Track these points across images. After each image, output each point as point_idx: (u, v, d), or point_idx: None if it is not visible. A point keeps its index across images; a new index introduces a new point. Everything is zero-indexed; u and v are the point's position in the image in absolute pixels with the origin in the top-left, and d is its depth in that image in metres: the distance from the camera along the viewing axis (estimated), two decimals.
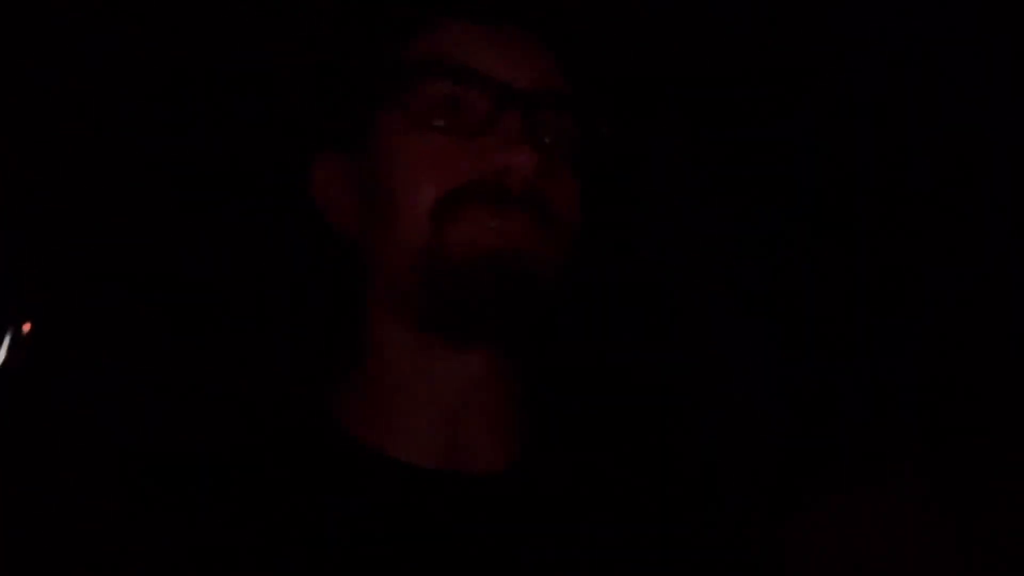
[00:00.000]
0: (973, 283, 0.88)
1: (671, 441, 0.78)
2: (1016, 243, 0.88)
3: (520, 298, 0.62)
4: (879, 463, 0.63)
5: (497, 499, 0.62)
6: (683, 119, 1.05)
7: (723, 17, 0.99)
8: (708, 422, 1.01)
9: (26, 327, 0.87)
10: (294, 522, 0.58)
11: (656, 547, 0.64)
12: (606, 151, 0.70)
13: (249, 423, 0.64)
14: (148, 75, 0.91)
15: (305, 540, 0.57)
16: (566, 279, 0.66)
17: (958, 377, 0.79)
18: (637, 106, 0.98)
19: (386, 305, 0.66)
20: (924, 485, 0.60)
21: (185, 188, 0.96)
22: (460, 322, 0.62)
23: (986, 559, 0.56)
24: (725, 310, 1.06)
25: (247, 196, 0.95)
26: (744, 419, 1.01)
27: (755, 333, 1.05)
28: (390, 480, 0.62)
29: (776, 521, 0.64)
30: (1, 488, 0.60)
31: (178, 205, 0.96)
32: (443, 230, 0.62)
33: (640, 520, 0.65)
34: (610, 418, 0.79)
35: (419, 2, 0.66)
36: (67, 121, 0.93)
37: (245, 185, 0.95)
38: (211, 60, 0.91)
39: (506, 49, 0.65)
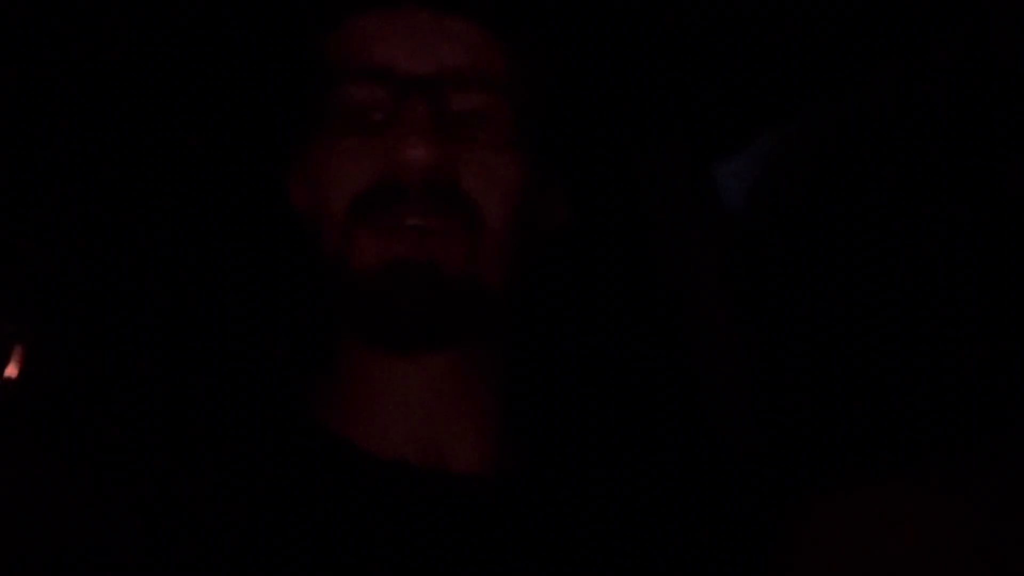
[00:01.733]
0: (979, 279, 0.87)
1: (659, 438, 0.77)
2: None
3: (435, 301, 0.59)
4: (886, 462, 0.61)
5: (473, 496, 0.61)
6: (674, 117, 1.04)
7: None
8: (698, 420, 1.00)
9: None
10: (271, 515, 0.57)
11: (639, 544, 0.63)
12: (556, 130, 0.66)
13: (228, 419, 0.63)
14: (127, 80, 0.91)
15: (282, 532, 0.56)
16: (521, 269, 0.64)
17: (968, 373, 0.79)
18: (625, 103, 0.97)
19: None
20: (938, 483, 0.58)
21: (169, 194, 0.96)
22: (382, 332, 0.60)
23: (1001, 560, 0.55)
24: (719, 303, 1.05)
25: (233, 200, 0.95)
26: (733, 419, 1.00)
27: (751, 329, 1.05)
28: (366, 475, 0.61)
29: (773, 520, 0.62)
30: None
31: (163, 211, 0.96)
32: (351, 239, 0.60)
33: (623, 518, 0.64)
34: (594, 416, 0.78)
35: (322, 2, 0.64)
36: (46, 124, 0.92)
37: (232, 189, 0.94)
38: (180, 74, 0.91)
39: (409, 35, 0.61)
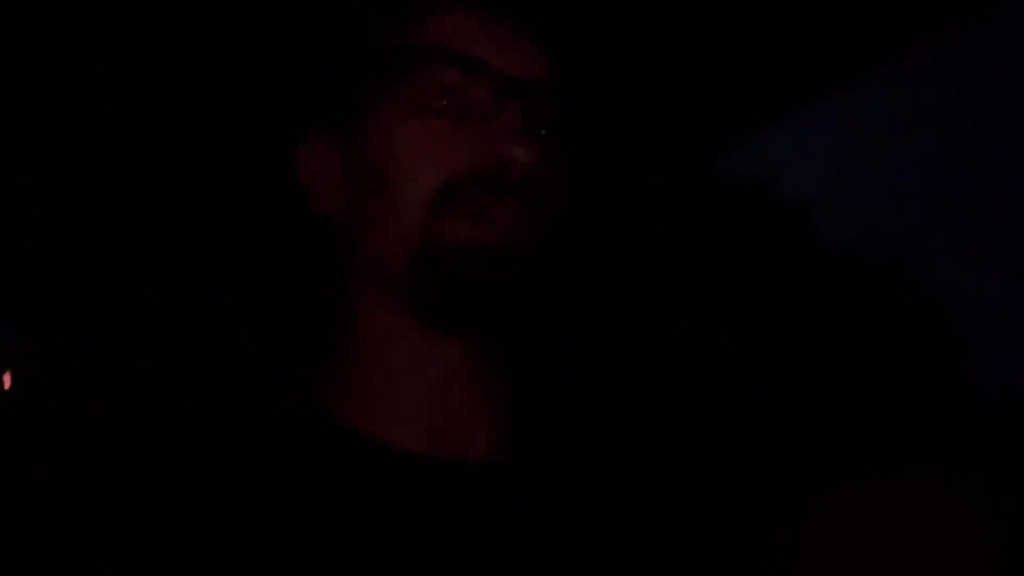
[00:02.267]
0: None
1: (663, 431, 0.77)
2: None
3: (507, 287, 0.62)
4: (885, 460, 0.62)
5: (480, 484, 0.62)
6: (675, 116, 1.04)
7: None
8: (698, 414, 1.00)
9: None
10: (279, 507, 0.57)
11: (645, 536, 0.63)
12: (595, 143, 0.70)
13: (233, 413, 0.63)
14: (127, 50, 0.90)
15: (290, 525, 0.56)
16: (551, 267, 0.66)
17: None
18: (626, 101, 0.98)
19: (374, 289, 0.65)
20: (937, 481, 0.58)
21: (167, 173, 0.95)
22: (451, 309, 0.62)
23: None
24: (719, 299, 1.05)
25: (228, 181, 0.94)
26: (739, 409, 1.00)
27: (752, 324, 1.05)
28: (375, 462, 0.61)
29: (777, 511, 0.63)
30: None
31: (159, 189, 0.95)
32: (441, 218, 0.62)
33: (629, 510, 0.64)
34: (598, 409, 0.79)
35: None
36: (49, 101, 0.92)
37: (227, 169, 0.94)
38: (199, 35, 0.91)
39: (506, 40, 0.65)
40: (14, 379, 0.89)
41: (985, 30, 0.96)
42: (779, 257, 1.05)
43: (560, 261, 0.67)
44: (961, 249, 0.95)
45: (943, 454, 0.60)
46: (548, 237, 0.64)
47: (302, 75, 0.75)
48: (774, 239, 1.05)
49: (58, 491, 0.56)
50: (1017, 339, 0.88)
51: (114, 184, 0.94)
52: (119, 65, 0.91)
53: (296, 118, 0.72)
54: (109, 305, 0.92)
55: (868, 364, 0.95)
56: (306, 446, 0.61)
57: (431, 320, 0.63)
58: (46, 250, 0.95)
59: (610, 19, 0.93)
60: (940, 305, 0.92)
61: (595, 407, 0.77)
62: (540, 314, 0.67)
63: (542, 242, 0.63)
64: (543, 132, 0.65)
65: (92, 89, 0.92)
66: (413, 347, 0.64)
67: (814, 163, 1.06)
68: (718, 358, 1.03)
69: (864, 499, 0.60)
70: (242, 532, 0.55)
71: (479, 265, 0.61)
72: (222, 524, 0.55)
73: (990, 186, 0.96)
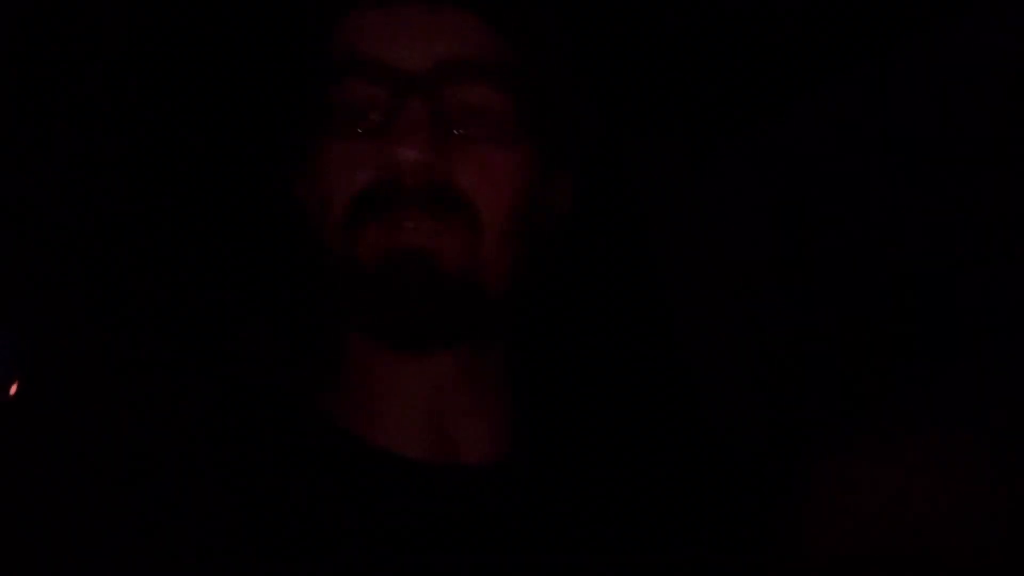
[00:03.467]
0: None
1: (666, 429, 0.76)
2: None
3: (436, 294, 0.58)
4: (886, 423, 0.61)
5: (482, 490, 0.61)
6: (673, 114, 1.04)
7: None
8: (702, 411, 1.00)
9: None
10: (279, 511, 0.57)
11: (647, 539, 0.62)
12: (557, 121, 0.65)
13: (235, 416, 0.62)
14: (151, 58, 0.91)
15: (288, 528, 0.56)
16: (525, 265, 0.63)
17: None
18: (625, 100, 0.97)
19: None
20: (935, 447, 0.58)
21: (177, 181, 0.96)
22: (387, 330, 0.60)
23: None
24: (718, 292, 1.05)
25: (237, 188, 0.95)
26: (738, 403, 1.00)
27: (750, 312, 1.05)
28: (374, 468, 0.60)
29: (781, 495, 0.62)
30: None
31: (167, 197, 0.96)
32: (353, 238, 0.59)
33: (633, 510, 0.64)
34: (598, 407, 0.78)
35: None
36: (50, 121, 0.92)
37: (235, 177, 0.94)
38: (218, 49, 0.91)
39: (404, 30, 0.61)
40: (20, 385, 0.89)
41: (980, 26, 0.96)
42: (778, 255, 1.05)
43: (553, 261, 0.65)
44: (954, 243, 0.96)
45: (938, 428, 0.60)
46: (476, 237, 0.60)
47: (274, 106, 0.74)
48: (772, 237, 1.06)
49: (63, 493, 0.56)
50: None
51: (123, 191, 0.94)
52: (131, 74, 0.91)
53: (285, 141, 0.70)
54: (114, 309, 0.93)
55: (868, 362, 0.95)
56: (306, 450, 0.61)
57: (379, 338, 0.61)
58: (53, 254, 0.95)
59: (603, 10, 0.93)
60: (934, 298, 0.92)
61: (595, 408, 0.76)
62: (538, 314, 0.66)
63: (465, 243, 0.59)
64: (464, 121, 0.60)
65: (102, 99, 0.93)
66: (392, 365, 0.62)
67: (815, 161, 1.07)
68: (718, 358, 1.03)
69: (866, 464, 0.59)
70: (242, 535, 0.55)
71: (390, 281, 0.58)
72: (223, 526, 0.55)
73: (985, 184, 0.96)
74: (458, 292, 0.59)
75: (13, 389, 0.87)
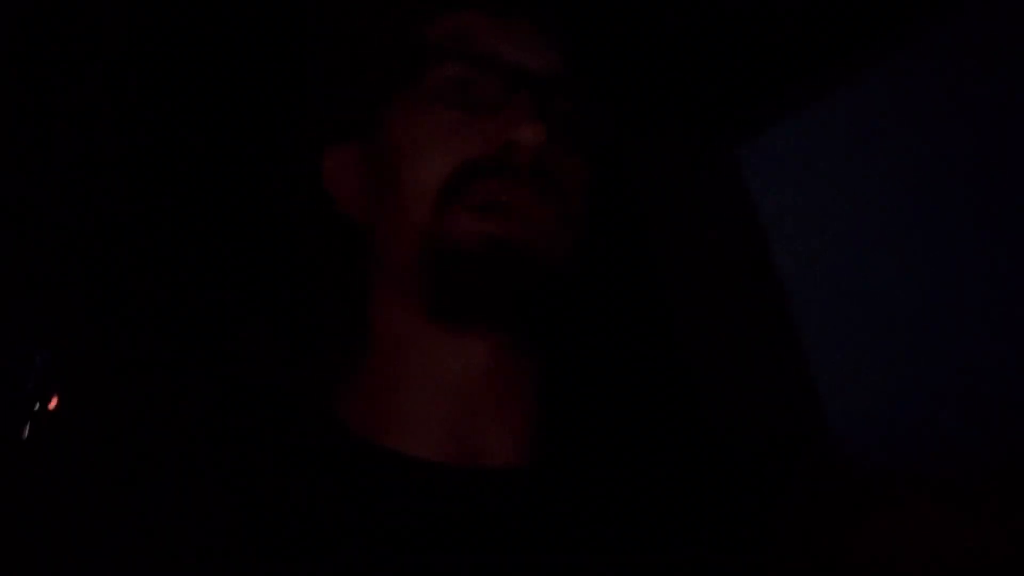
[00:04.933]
0: None
1: (689, 437, 0.76)
2: None
3: (526, 280, 0.60)
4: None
5: (507, 494, 0.61)
6: (676, 112, 1.03)
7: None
8: (710, 413, 0.99)
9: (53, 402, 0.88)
10: (295, 519, 0.56)
11: (671, 545, 0.62)
12: (611, 141, 0.69)
13: (250, 424, 0.63)
14: (158, 61, 0.91)
15: (305, 538, 0.56)
16: (576, 267, 0.64)
17: None
18: (640, 101, 0.97)
19: (392, 291, 0.65)
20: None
21: (194, 181, 0.96)
22: (465, 304, 0.61)
23: None
24: (723, 299, 1.05)
25: (255, 188, 0.95)
26: (759, 411, 1.00)
27: (764, 325, 1.04)
28: (396, 474, 0.60)
29: (797, 499, 0.62)
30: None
31: (186, 197, 0.96)
32: (451, 206, 0.60)
33: (656, 517, 0.63)
34: (627, 414, 0.78)
35: None
36: (73, 106, 0.93)
37: (254, 177, 0.95)
38: (225, 50, 0.91)
39: (516, 36, 0.65)
40: (61, 399, 0.90)
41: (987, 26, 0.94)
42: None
43: (583, 261, 0.65)
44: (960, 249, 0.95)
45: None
46: (567, 226, 0.63)
47: (323, 81, 0.75)
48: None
49: (73, 494, 0.56)
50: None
51: (143, 196, 0.95)
52: (148, 81, 0.92)
53: (320, 124, 0.72)
54: (127, 310, 0.93)
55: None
56: (322, 456, 0.60)
57: (444, 320, 0.62)
58: (71, 259, 0.96)
59: (618, 16, 0.93)
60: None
61: (610, 412, 0.75)
62: (572, 317, 0.66)
63: (559, 230, 0.62)
64: (555, 122, 0.63)
65: (124, 104, 0.93)
66: (431, 351, 0.63)
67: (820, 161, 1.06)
68: (719, 358, 1.02)
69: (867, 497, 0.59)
70: (253, 538, 0.55)
71: (487, 260, 0.59)
72: (232, 529, 0.55)
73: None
74: (544, 280, 0.61)
75: (53, 403, 0.89)
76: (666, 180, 1.07)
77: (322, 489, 0.58)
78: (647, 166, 1.06)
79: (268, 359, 0.90)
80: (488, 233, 0.59)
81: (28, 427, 0.87)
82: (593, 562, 0.59)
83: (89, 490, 0.56)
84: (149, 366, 0.90)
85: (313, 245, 0.74)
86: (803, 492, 0.63)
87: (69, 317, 0.93)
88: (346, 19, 0.72)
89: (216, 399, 0.65)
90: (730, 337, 1.04)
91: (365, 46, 0.69)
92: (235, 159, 0.95)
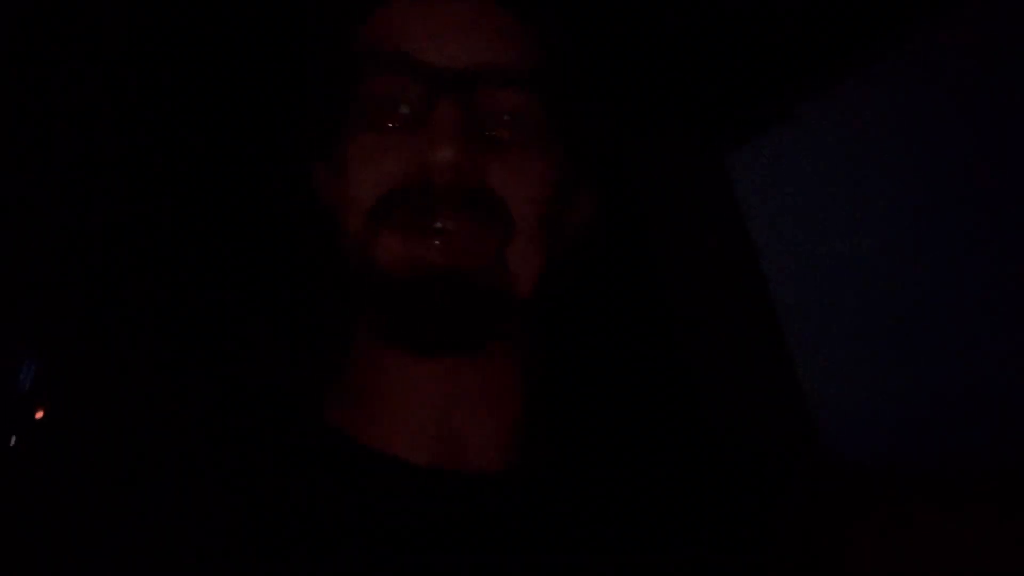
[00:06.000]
0: None
1: (670, 437, 0.75)
2: None
3: (462, 308, 0.57)
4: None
5: (492, 497, 0.59)
6: (678, 115, 1.03)
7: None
8: (709, 415, 0.99)
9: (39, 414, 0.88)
10: (285, 520, 0.55)
11: (660, 548, 0.60)
12: (583, 125, 0.64)
13: (241, 425, 0.61)
14: (158, 60, 0.90)
15: (292, 540, 0.55)
16: (550, 270, 0.61)
17: None
18: (629, 100, 0.96)
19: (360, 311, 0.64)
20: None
21: (189, 186, 0.95)
22: (406, 333, 0.58)
23: None
24: (724, 299, 1.05)
25: (254, 202, 0.94)
26: (749, 414, 1.00)
27: (762, 326, 1.05)
28: (381, 476, 0.59)
29: (796, 509, 0.62)
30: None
31: (185, 213, 0.96)
32: (376, 237, 0.58)
33: (644, 520, 0.62)
34: (607, 416, 0.77)
35: None
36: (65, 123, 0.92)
37: (252, 191, 0.94)
38: (225, 53, 0.90)
39: (445, 25, 0.59)
40: (47, 411, 0.89)
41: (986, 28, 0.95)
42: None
43: (573, 267, 0.64)
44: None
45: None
46: (506, 240, 0.58)
47: (304, 94, 0.74)
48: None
49: (71, 494, 0.55)
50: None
51: (136, 200, 0.94)
52: (145, 81, 0.91)
53: (307, 136, 0.69)
54: (125, 313, 0.93)
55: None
56: (311, 458, 0.60)
57: (397, 344, 0.59)
58: (64, 262, 0.95)
59: (609, 15, 0.92)
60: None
61: (600, 415, 0.74)
62: (552, 322, 0.65)
63: (497, 245, 0.58)
64: (495, 123, 0.58)
65: (116, 109, 0.92)
66: (402, 369, 0.61)
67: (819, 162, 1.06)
68: (720, 359, 1.02)
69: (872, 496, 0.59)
70: (244, 540, 0.54)
71: (416, 286, 0.56)
72: (223, 531, 0.54)
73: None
74: (484, 303, 0.58)
75: (39, 414, 0.88)
76: (656, 184, 1.06)
77: (310, 491, 0.57)
78: (640, 169, 1.06)
79: (260, 361, 0.90)
80: (415, 257, 0.57)
81: (14, 437, 0.87)
82: (576, 564, 0.58)
83: (82, 492, 0.55)
84: (141, 369, 0.89)
85: (304, 251, 0.73)
86: (799, 493, 0.63)
87: (61, 321, 0.92)
88: (306, 26, 0.70)
89: (208, 401, 0.63)
90: (719, 340, 1.04)
91: (315, 59, 0.66)
92: (232, 165, 0.95)
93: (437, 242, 0.56)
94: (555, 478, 0.62)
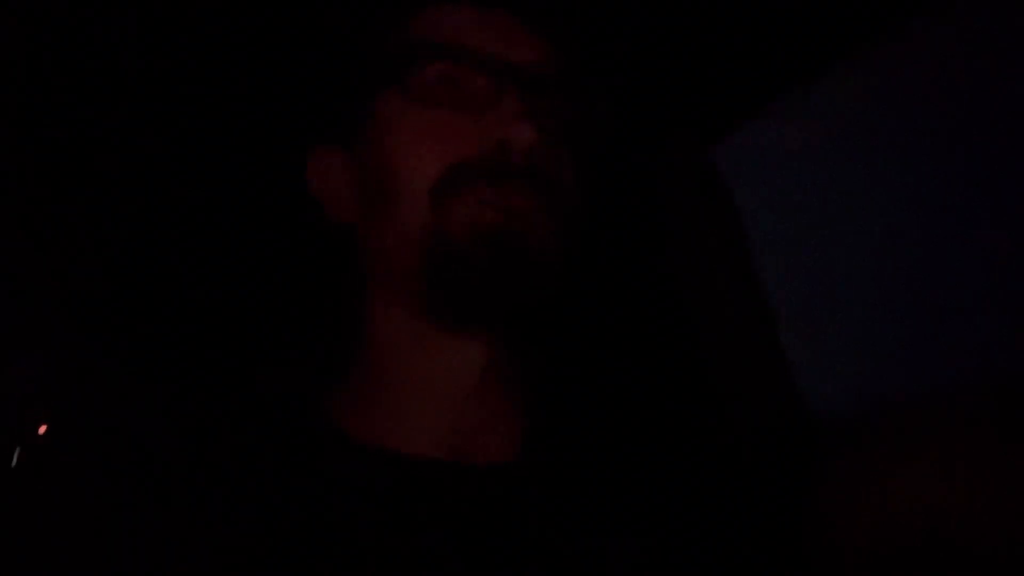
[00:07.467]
0: None
1: (681, 432, 0.76)
2: None
3: (522, 275, 0.60)
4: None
5: (500, 490, 0.60)
6: (688, 113, 1.04)
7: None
8: (720, 413, 0.99)
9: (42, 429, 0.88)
10: (288, 522, 0.56)
11: (666, 539, 0.61)
12: (602, 138, 0.69)
13: (243, 427, 0.62)
14: (141, 65, 0.91)
15: (299, 539, 0.55)
16: (569, 264, 0.64)
17: None
18: (639, 99, 0.98)
19: (387, 291, 0.65)
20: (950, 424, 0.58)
21: (182, 184, 0.96)
22: (462, 302, 0.61)
23: None
24: (730, 288, 1.05)
25: (242, 191, 0.95)
26: (753, 404, 1.00)
27: (760, 320, 1.05)
28: (390, 472, 0.60)
29: (799, 494, 0.62)
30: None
31: (175, 199, 0.96)
32: (444, 207, 0.60)
33: (649, 511, 0.63)
34: (618, 410, 0.78)
35: None
36: (61, 111, 0.92)
37: (240, 180, 0.95)
38: (208, 53, 0.91)
39: (501, 31, 0.65)
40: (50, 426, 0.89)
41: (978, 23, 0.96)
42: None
43: (576, 259, 0.66)
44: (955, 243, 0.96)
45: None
46: (560, 222, 0.62)
47: (307, 85, 0.75)
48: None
49: (66, 492, 0.56)
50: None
51: (135, 200, 0.95)
52: (142, 81, 0.91)
53: (304, 129, 0.72)
54: (127, 317, 0.93)
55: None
56: (317, 458, 0.60)
57: (440, 320, 0.62)
58: (61, 265, 0.95)
59: (615, 16, 0.93)
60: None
61: (607, 408, 0.75)
62: (559, 313, 0.66)
63: (553, 226, 0.62)
64: (545, 119, 0.63)
65: (109, 109, 0.92)
66: (429, 350, 0.63)
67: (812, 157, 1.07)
68: (734, 356, 1.02)
69: (880, 452, 0.59)
70: (248, 539, 0.55)
71: (483, 253, 0.59)
72: (228, 531, 0.55)
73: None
74: (541, 276, 0.61)
75: (42, 429, 0.88)
76: (679, 181, 1.07)
77: (317, 490, 0.58)
78: (659, 167, 1.07)
79: (262, 364, 0.90)
80: (483, 223, 0.59)
81: (16, 455, 0.87)
82: (582, 556, 0.59)
83: (83, 492, 0.56)
84: (142, 373, 0.89)
85: (303, 249, 0.74)
86: (796, 479, 0.63)
87: (61, 320, 0.92)
88: (329, 17, 0.72)
89: (210, 404, 0.63)
90: (713, 335, 1.04)
91: (347, 45, 0.69)
92: (224, 163, 0.95)
93: (507, 213, 0.60)
94: (561, 469, 0.63)
